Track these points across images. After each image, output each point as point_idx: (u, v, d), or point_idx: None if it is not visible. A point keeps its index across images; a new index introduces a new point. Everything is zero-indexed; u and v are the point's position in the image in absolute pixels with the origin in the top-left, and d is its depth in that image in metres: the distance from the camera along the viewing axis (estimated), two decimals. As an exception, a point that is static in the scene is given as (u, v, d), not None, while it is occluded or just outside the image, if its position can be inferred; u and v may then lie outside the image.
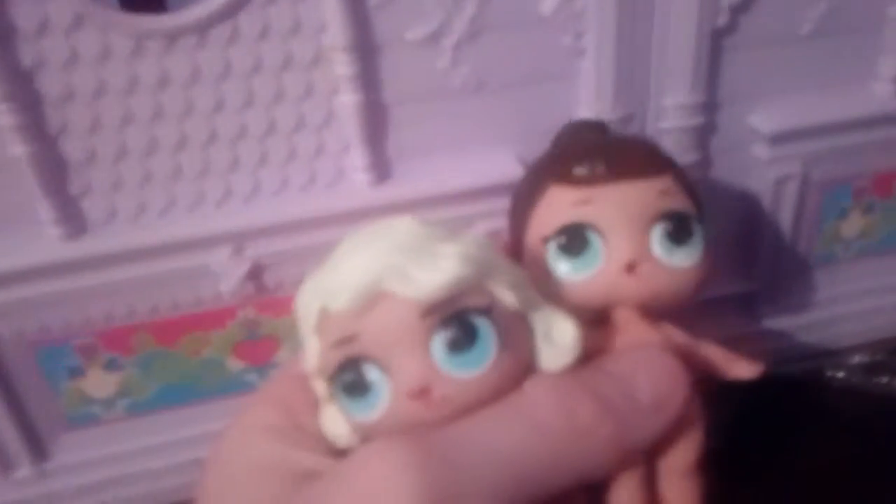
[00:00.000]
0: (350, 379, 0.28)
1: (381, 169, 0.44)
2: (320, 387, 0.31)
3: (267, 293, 0.45)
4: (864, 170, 0.51)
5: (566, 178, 0.35)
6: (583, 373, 0.30)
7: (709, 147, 0.48)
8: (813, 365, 0.56)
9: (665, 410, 0.29)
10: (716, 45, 0.44)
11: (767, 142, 0.48)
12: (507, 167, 0.45)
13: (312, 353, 0.29)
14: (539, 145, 0.45)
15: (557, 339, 0.30)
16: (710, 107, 0.46)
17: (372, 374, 0.28)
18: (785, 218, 0.51)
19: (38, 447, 0.47)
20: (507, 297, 0.29)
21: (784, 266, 0.53)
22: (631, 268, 0.33)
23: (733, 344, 0.54)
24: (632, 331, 0.33)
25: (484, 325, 0.28)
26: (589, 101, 0.44)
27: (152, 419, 0.48)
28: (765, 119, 0.47)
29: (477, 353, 0.27)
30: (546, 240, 0.34)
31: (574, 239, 0.34)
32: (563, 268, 0.34)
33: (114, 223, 0.42)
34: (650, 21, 0.42)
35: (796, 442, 0.51)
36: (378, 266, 0.27)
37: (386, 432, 0.27)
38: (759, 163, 0.49)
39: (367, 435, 0.29)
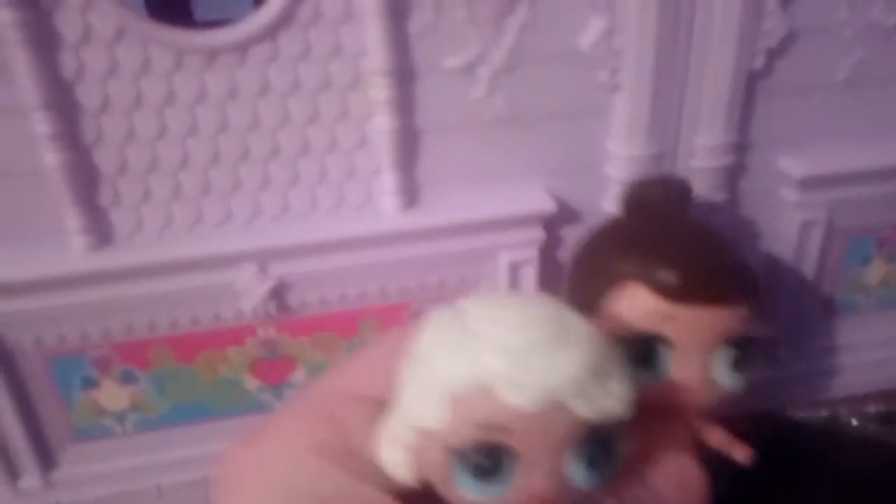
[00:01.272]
0: (483, 462, 0.28)
1: (410, 194, 0.43)
2: (410, 436, 0.29)
3: (288, 313, 0.45)
4: (890, 219, 0.51)
5: (655, 286, 0.34)
6: (632, 489, 0.32)
7: (737, 188, 0.48)
8: (829, 411, 0.56)
9: None
10: (750, 88, 0.44)
11: (796, 186, 0.48)
12: (536, 199, 0.45)
13: (436, 413, 0.28)
14: (569, 178, 0.45)
15: (623, 451, 0.31)
16: (740, 148, 0.46)
17: (506, 464, 0.28)
18: (809, 263, 0.51)
19: (46, 456, 0.47)
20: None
21: (804, 311, 0.53)
22: (691, 387, 0.34)
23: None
24: (667, 429, 0.34)
25: (621, 449, 0.29)
26: (621, 137, 0.44)
27: (163, 435, 0.47)
28: (794, 163, 0.47)
29: (605, 471, 0.29)
30: (618, 340, 0.33)
31: (648, 350, 0.34)
32: (630, 372, 0.33)
33: (140, 236, 0.42)
34: (687, 60, 0.42)
35: (808, 489, 0.50)
36: (572, 383, 0.27)
37: None
38: (786, 206, 0.49)
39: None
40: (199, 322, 0.44)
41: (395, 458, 0.30)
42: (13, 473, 0.46)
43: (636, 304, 0.34)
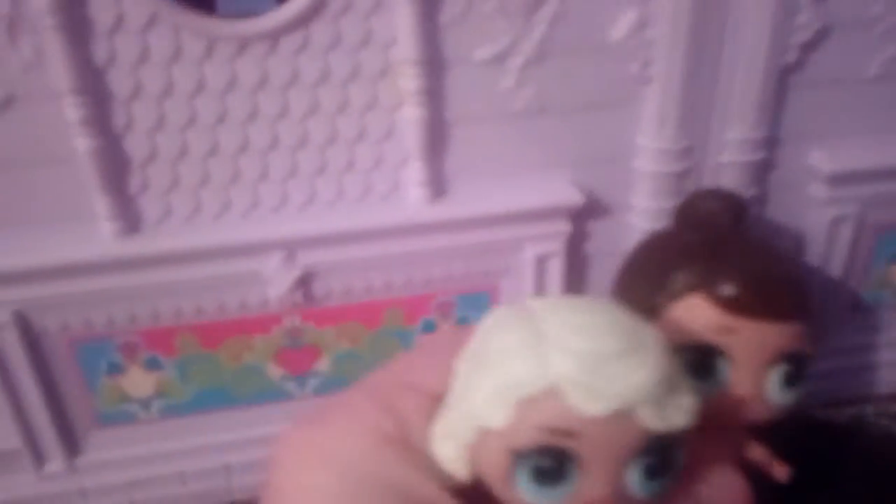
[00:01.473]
0: (547, 466, 0.27)
1: (437, 185, 0.43)
2: (470, 433, 0.29)
3: (314, 302, 0.45)
4: (921, 216, 0.50)
5: (716, 297, 0.34)
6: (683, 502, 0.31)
7: (767, 183, 0.47)
8: (855, 410, 0.55)
9: None
10: (782, 82, 0.44)
11: (826, 182, 0.47)
12: (563, 192, 0.44)
13: (501, 414, 0.28)
14: (596, 171, 0.45)
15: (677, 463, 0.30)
16: (771, 143, 0.46)
17: (567, 469, 0.27)
18: (837, 259, 0.50)
19: (71, 442, 0.47)
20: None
21: (831, 307, 0.53)
22: (744, 401, 0.34)
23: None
24: (717, 443, 0.34)
25: (679, 459, 0.29)
26: (651, 130, 0.44)
27: (187, 422, 0.48)
28: (825, 159, 0.46)
29: (665, 481, 0.28)
30: (677, 349, 0.32)
31: (706, 362, 0.34)
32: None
33: (168, 223, 0.42)
34: (719, 54, 0.42)
35: (834, 489, 0.50)
36: (644, 393, 0.27)
37: None
38: (815, 202, 0.48)
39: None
40: (225, 309, 0.44)
41: (451, 453, 0.30)
42: (39, 458, 0.46)
43: (697, 315, 0.35)
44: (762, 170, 0.47)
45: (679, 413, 0.28)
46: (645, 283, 0.37)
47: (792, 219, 0.49)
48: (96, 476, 0.48)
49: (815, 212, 0.48)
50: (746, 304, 0.34)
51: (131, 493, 0.49)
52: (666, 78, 0.42)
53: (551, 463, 0.27)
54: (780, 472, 0.36)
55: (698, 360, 0.34)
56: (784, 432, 0.52)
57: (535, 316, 0.29)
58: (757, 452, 0.36)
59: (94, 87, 0.37)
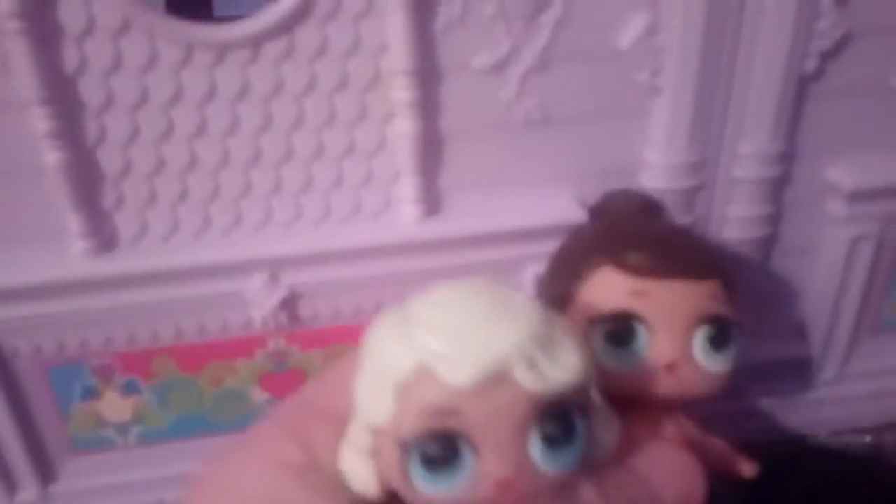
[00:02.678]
0: (436, 452, 0.26)
1: (431, 202, 0.41)
2: (366, 437, 0.28)
3: (300, 324, 0.42)
4: (945, 235, 0.47)
5: (621, 263, 0.34)
6: (617, 475, 0.30)
7: (782, 199, 0.45)
8: (873, 438, 0.53)
9: None
10: (801, 92, 0.41)
11: (845, 198, 0.44)
12: (565, 208, 0.42)
13: (384, 406, 0.27)
14: (601, 187, 0.42)
15: (603, 438, 0.30)
16: (787, 157, 0.43)
17: (462, 453, 0.26)
18: (856, 280, 0.48)
19: (45, 469, 0.45)
20: (595, 396, 0.29)
21: (846, 331, 0.50)
22: (672, 368, 0.33)
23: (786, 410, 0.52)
24: (656, 422, 0.34)
25: (581, 426, 0.27)
26: (659, 143, 0.41)
27: (166, 448, 0.45)
28: (844, 174, 0.44)
29: (570, 452, 0.27)
30: (593, 322, 0.34)
31: (623, 328, 0.34)
32: (606, 355, 0.33)
33: (144, 241, 0.39)
34: (734, 62, 0.39)
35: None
36: (512, 352, 0.26)
37: None
38: (833, 220, 0.45)
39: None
40: (205, 332, 0.42)
41: (358, 467, 0.28)
42: (11, 486, 0.44)
43: (607, 286, 0.35)
44: (777, 186, 0.44)
45: (560, 371, 0.26)
46: (558, 274, 0.37)
47: (808, 237, 0.46)
48: (72, 505, 0.46)
49: (834, 230, 0.46)
50: (652, 266, 0.34)
51: (109, 522, 0.46)
52: (676, 87, 0.39)
53: (440, 448, 0.26)
54: (746, 467, 0.35)
55: (617, 331, 0.34)
56: (799, 459, 0.50)
57: (405, 305, 0.28)
58: (717, 448, 0.35)
59: (63, 96, 0.35)
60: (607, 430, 0.30)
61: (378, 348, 0.28)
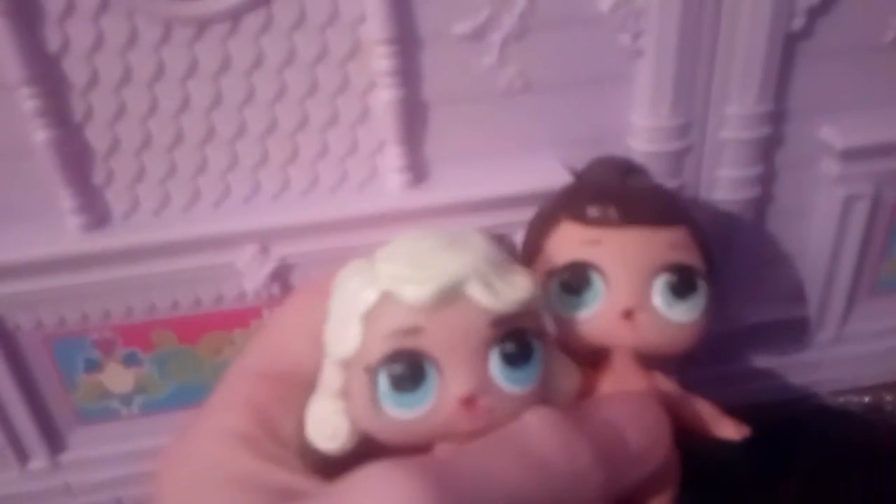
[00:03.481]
0: (401, 371, 0.28)
1: (416, 171, 0.41)
2: (336, 375, 0.29)
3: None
4: (942, 192, 0.47)
5: (579, 216, 0.35)
6: (579, 415, 0.30)
7: (773, 161, 0.44)
8: (871, 398, 0.53)
9: (648, 460, 0.30)
10: (788, 51, 0.40)
11: (838, 158, 0.44)
12: (551, 174, 0.42)
13: (351, 338, 0.28)
14: (588, 152, 0.42)
15: (562, 382, 0.31)
16: (777, 117, 0.42)
17: (427, 372, 0.28)
18: (851, 240, 0.47)
19: (54, 439, 0.46)
20: (549, 325, 0.30)
21: (843, 292, 0.50)
22: (628, 314, 0.33)
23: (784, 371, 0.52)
24: (622, 375, 0.33)
25: (537, 346, 0.29)
26: (644, 106, 0.41)
27: (169, 417, 0.46)
28: (837, 133, 0.43)
29: (528, 371, 0.29)
30: (551, 274, 0.34)
31: (577, 277, 0.34)
32: (563, 304, 0.34)
33: (136, 216, 0.40)
34: (717, 22, 0.39)
35: (849, 478, 0.48)
36: (467, 270, 0.28)
37: (419, 433, 0.28)
38: (827, 180, 0.45)
39: (389, 435, 0.29)
40: (201, 304, 0.43)
41: (329, 415, 0.30)
42: (22, 456, 0.46)
43: (565, 237, 0.35)
44: (768, 146, 0.43)
45: (512, 290, 0.28)
46: (530, 234, 0.38)
47: (802, 198, 0.46)
48: (81, 473, 0.47)
49: (827, 190, 0.45)
50: (606, 215, 0.34)
51: (117, 489, 0.48)
52: (659, 49, 0.39)
53: (405, 367, 0.28)
54: (733, 429, 0.34)
55: (570, 279, 0.34)
56: (798, 420, 0.50)
57: (373, 254, 0.30)
58: (702, 410, 0.34)
59: (48, 76, 0.36)
60: (566, 375, 0.31)
61: (344, 288, 0.30)
